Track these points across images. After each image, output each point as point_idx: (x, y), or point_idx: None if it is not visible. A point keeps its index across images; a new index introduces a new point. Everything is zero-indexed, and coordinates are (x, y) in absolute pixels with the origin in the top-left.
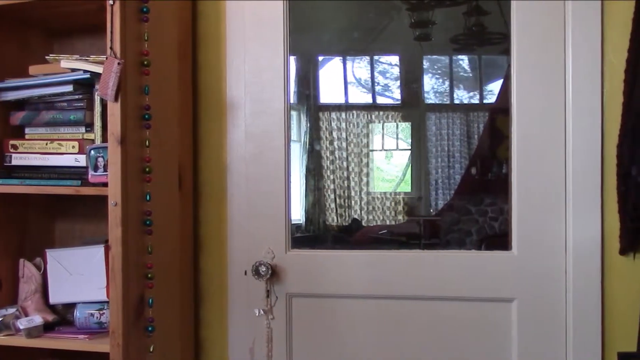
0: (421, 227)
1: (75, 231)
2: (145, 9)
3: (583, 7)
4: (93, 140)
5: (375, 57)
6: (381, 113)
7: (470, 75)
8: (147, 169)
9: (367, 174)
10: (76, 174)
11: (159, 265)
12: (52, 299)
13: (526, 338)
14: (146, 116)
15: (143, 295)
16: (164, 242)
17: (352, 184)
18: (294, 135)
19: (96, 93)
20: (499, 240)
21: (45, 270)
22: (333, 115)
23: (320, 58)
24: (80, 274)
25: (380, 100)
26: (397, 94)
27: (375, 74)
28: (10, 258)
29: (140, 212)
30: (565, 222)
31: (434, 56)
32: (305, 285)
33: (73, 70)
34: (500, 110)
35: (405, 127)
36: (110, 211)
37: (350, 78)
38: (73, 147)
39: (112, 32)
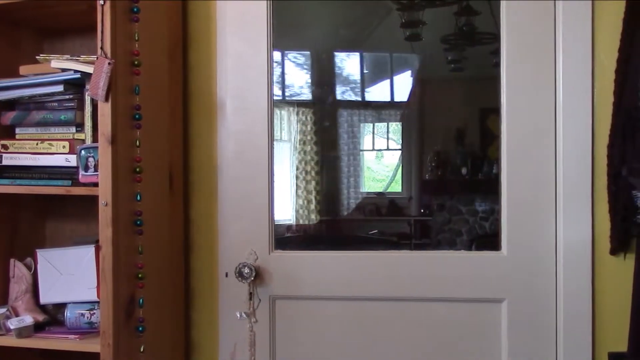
0: (411, 227)
1: (65, 231)
2: (135, 9)
3: (573, 7)
4: (83, 140)
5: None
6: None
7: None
8: (137, 169)
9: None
10: (67, 174)
11: (150, 265)
12: (43, 299)
13: (516, 339)
14: (137, 116)
15: (133, 295)
16: (155, 242)
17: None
18: (284, 135)
19: (87, 93)
20: (490, 240)
21: (36, 270)
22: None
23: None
24: (70, 274)
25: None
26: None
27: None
28: (0, 258)
29: (131, 212)
30: (556, 222)
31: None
32: (289, 287)
33: (64, 70)
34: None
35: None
36: (101, 211)
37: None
38: (64, 147)
39: (102, 32)
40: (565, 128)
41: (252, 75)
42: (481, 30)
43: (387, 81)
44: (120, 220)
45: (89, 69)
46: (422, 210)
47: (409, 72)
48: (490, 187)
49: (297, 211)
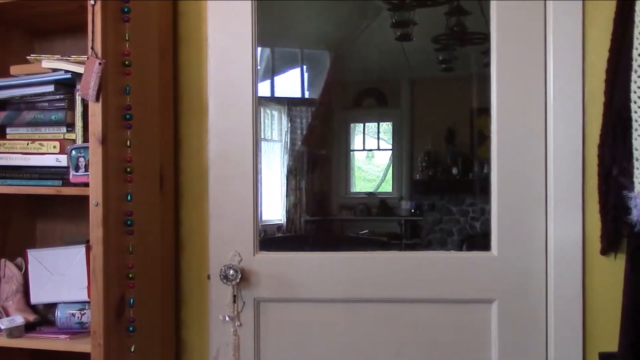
0: (402, 227)
1: (56, 231)
2: (126, 9)
3: (564, 7)
4: (74, 141)
5: None
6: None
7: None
8: (128, 169)
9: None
10: (57, 174)
11: (140, 265)
12: (34, 299)
13: (506, 339)
14: (127, 116)
15: (124, 296)
16: (145, 242)
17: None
18: (275, 135)
19: (77, 93)
20: (481, 240)
21: (27, 270)
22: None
23: None
24: (61, 274)
25: None
26: None
27: None
28: None
29: (122, 212)
30: (546, 222)
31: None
32: (275, 289)
33: (54, 70)
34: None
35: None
36: (92, 211)
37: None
38: (54, 147)
39: (93, 32)
40: (556, 128)
41: (235, 72)
42: (472, 30)
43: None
44: (110, 221)
45: (79, 69)
46: (412, 210)
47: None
48: (481, 187)
49: (288, 211)
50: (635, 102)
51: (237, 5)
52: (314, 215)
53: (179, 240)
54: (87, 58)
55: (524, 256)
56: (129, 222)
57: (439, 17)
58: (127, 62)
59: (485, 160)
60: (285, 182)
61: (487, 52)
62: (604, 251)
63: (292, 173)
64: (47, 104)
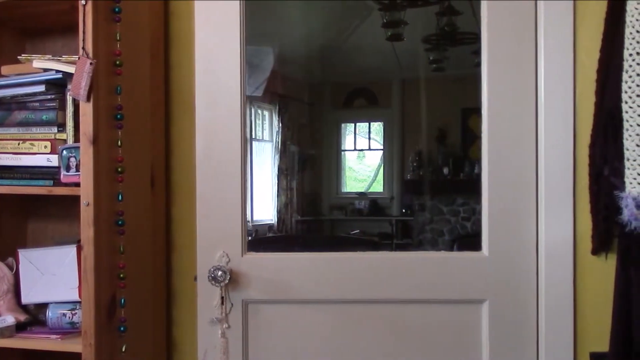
0: (393, 227)
1: (47, 231)
2: (117, 9)
3: (555, 7)
4: (65, 140)
5: None
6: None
7: None
8: (119, 169)
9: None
10: (48, 174)
11: (131, 265)
12: (24, 299)
13: (497, 340)
14: (118, 116)
15: (115, 295)
16: (136, 242)
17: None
18: (266, 135)
19: (68, 93)
20: (472, 240)
21: (18, 270)
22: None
23: None
24: (52, 274)
25: None
26: None
27: None
28: None
29: (113, 212)
30: (537, 222)
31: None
32: (263, 290)
33: (45, 70)
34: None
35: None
36: (83, 211)
37: None
38: (45, 147)
39: (84, 32)
40: (547, 128)
41: (223, 70)
42: (463, 30)
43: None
44: (101, 220)
45: (70, 69)
46: (403, 210)
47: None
48: (472, 187)
49: (279, 211)
50: (626, 102)
51: (224, 5)
52: (305, 215)
53: (170, 240)
54: (78, 58)
55: (515, 256)
56: (120, 222)
57: (430, 17)
58: (118, 62)
59: (476, 160)
60: (277, 182)
61: (478, 52)
62: (595, 251)
63: (283, 173)
64: (38, 104)
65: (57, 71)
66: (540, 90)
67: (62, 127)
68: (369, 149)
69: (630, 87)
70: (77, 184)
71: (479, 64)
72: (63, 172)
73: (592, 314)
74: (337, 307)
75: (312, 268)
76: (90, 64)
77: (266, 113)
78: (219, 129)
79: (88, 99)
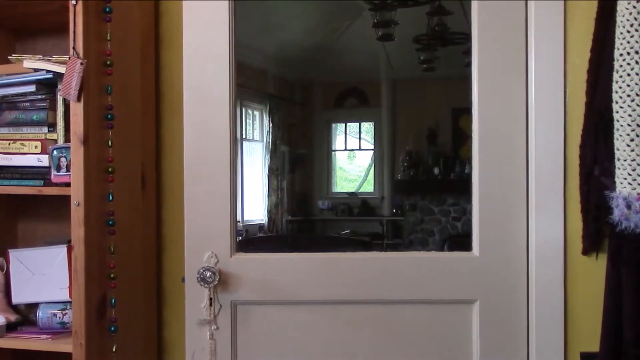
0: (384, 227)
1: (38, 231)
2: (108, 9)
3: (545, 7)
4: (56, 140)
5: None
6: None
7: None
8: (109, 169)
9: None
10: (39, 174)
11: (122, 265)
12: (15, 299)
13: (488, 340)
14: (109, 116)
15: (106, 296)
16: (127, 242)
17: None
18: (256, 135)
19: (59, 93)
20: (462, 240)
21: (8, 270)
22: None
23: None
24: (42, 274)
25: None
26: None
27: None
28: None
29: (103, 212)
30: (528, 222)
31: None
32: (252, 291)
33: (36, 70)
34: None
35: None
36: (73, 211)
37: None
38: (36, 147)
39: (74, 32)
40: (537, 128)
41: (211, 68)
42: (453, 30)
43: None
44: (92, 220)
45: (61, 69)
46: (394, 210)
47: None
48: (463, 187)
49: (269, 211)
50: (617, 102)
51: (212, 4)
52: (296, 215)
53: (160, 239)
54: (69, 58)
55: (505, 256)
56: (110, 222)
57: (421, 17)
58: (108, 62)
59: (467, 160)
60: (267, 182)
61: (468, 52)
62: (586, 251)
63: (274, 173)
64: (28, 104)
65: (48, 71)
66: (531, 91)
67: (52, 127)
68: (360, 149)
69: (621, 87)
70: (68, 184)
71: (469, 64)
72: (53, 172)
73: (582, 314)
74: (327, 307)
75: (302, 269)
76: (81, 63)
77: (257, 113)
78: (207, 127)
79: (79, 99)
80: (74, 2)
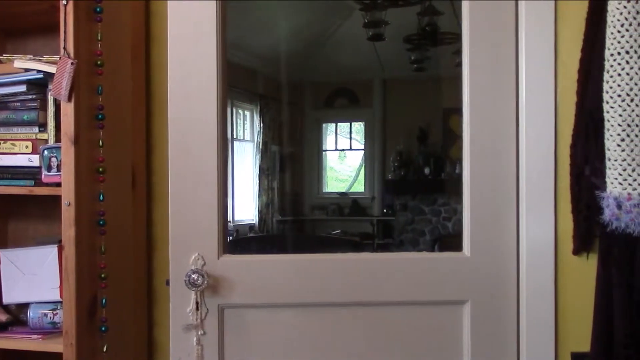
0: (374, 227)
1: (28, 231)
2: (98, 9)
3: (536, 7)
4: (46, 140)
5: None
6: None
7: None
8: (100, 169)
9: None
10: (29, 174)
11: (113, 265)
12: (6, 299)
13: (479, 340)
14: (99, 116)
15: (96, 295)
16: (118, 242)
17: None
18: (247, 135)
19: (50, 93)
20: (453, 240)
21: None
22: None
23: None
24: (33, 274)
25: None
26: None
27: None
28: None
29: (94, 212)
30: (518, 223)
31: None
32: (241, 294)
33: (26, 70)
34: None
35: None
36: (64, 211)
37: None
38: (26, 147)
39: (65, 32)
40: (528, 128)
41: (197, 67)
42: (444, 30)
43: None
44: (83, 220)
45: (52, 69)
46: (384, 210)
47: None
48: (453, 187)
49: (260, 211)
50: (607, 102)
51: (198, 4)
52: (286, 215)
53: (151, 240)
54: (60, 58)
55: (496, 256)
56: (101, 222)
57: (411, 17)
58: (99, 62)
59: (457, 160)
60: (258, 182)
61: (459, 52)
62: (576, 251)
63: (265, 173)
64: (19, 104)
65: (39, 71)
66: (522, 91)
67: (43, 127)
68: (350, 149)
69: (611, 87)
70: (59, 184)
71: (460, 64)
72: (44, 172)
73: (573, 314)
74: (317, 310)
75: (291, 270)
76: (72, 63)
77: (247, 113)
78: (193, 127)
79: (69, 99)
80: (64, 2)
